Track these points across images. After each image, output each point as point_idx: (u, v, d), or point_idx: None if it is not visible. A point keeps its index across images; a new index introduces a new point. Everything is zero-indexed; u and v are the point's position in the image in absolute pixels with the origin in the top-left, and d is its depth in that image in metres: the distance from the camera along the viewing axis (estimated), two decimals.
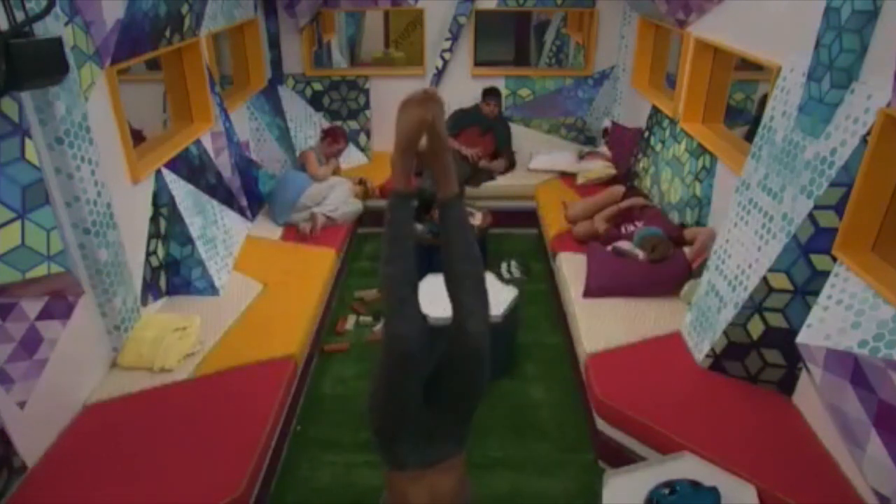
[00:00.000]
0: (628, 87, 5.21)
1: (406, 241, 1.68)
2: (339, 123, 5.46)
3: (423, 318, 1.69)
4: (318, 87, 5.55)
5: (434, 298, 3.54)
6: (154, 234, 3.20)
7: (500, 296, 3.36)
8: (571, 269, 3.66)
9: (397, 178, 1.66)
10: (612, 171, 4.93)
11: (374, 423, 1.73)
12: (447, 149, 1.66)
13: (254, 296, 3.42)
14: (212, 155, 3.85)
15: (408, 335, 1.61)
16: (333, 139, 4.74)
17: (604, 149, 5.18)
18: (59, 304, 2.42)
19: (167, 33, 3.21)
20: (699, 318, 2.89)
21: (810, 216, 2.31)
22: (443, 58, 5.36)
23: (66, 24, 2.42)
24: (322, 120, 5.55)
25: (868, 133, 2.10)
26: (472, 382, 1.70)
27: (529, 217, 4.98)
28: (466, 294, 1.66)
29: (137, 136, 4.06)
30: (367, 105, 5.61)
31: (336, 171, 4.80)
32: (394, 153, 1.66)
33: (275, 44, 5.29)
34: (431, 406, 1.69)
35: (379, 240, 5.48)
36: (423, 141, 1.64)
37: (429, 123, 1.58)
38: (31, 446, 2.25)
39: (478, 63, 5.54)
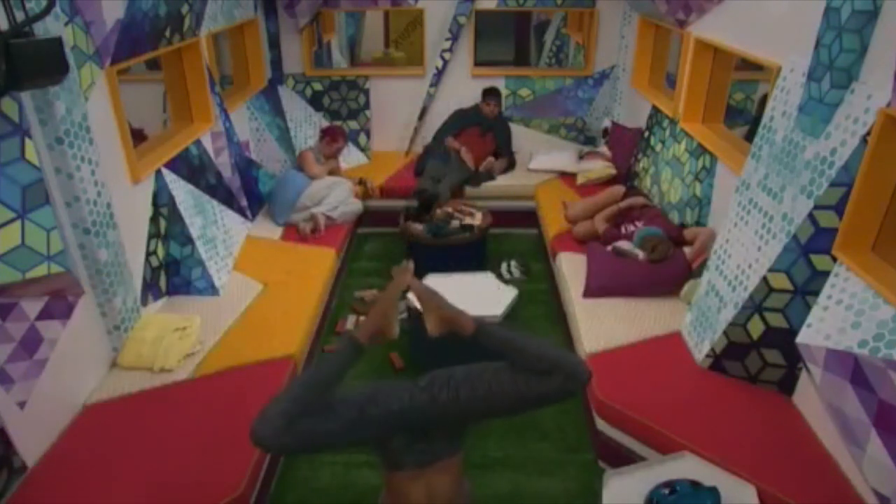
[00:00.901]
0: (628, 87, 5.21)
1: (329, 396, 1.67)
2: (338, 123, 5.46)
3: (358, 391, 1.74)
4: (318, 87, 5.55)
5: None
6: (154, 234, 3.20)
7: (500, 296, 3.36)
8: (571, 269, 3.66)
9: (364, 333, 1.75)
10: (612, 171, 4.93)
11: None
12: (439, 307, 1.78)
13: (254, 296, 3.42)
14: (212, 155, 3.85)
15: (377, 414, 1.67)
16: (332, 138, 4.74)
17: (604, 149, 5.18)
18: (59, 304, 2.42)
19: (167, 33, 3.21)
20: (699, 318, 2.89)
21: (810, 216, 2.31)
22: (443, 58, 5.36)
23: (66, 24, 2.42)
24: (322, 120, 5.56)
25: (868, 133, 2.10)
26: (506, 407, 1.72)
27: (529, 217, 4.98)
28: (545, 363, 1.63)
29: (139, 136, 4.06)
30: (367, 105, 5.61)
31: (336, 171, 4.81)
32: (368, 324, 1.79)
33: (275, 44, 5.29)
34: (432, 403, 1.70)
35: (379, 239, 5.49)
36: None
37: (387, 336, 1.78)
38: (31, 446, 2.25)
39: (478, 63, 5.54)
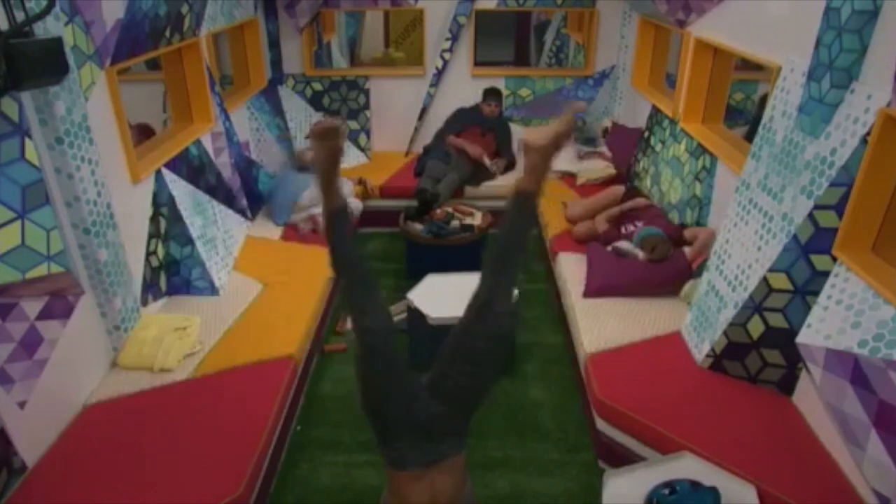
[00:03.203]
0: (628, 87, 5.21)
1: (345, 235, 1.80)
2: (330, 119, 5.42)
3: (388, 313, 1.83)
4: (318, 87, 5.55)
5: (434, 298, 3.54)
6: (154, 234, 3.20)
7: None
8: (571, 269, 3.66)
9: (325, 198, 1.81)
10: (612, 171, 4.93)
11: (370, 422, 1.74)
12: (550, 152, 1.79)
13: (254, 296, 3.41)
14: (212, 155, 3.85)
15: (370, 326, 1.72)
16: None
17: (604, 149, 5.18)
18: (59, 304, 2.42)
19: (167, 33, 3.21)
20: (699, 318, 2.89)
21: (810, 216, 2.31)
22: (443, 58, 5.36)
23: (66, 24, 2.42)
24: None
25: (868, 133, 2.10)
26: (485, 363, 1.74)
27: None
28: (500, 273, 1.73)
29: (147, 132, 4.06)
30: (367, 105, 5.61)
31: None
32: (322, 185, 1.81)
33: (275, 44, 5.29)
34: (434, 401, 1.70)
35: (379, 239, 5.49)
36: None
37: (332, 154, 1.77)
38: (31, 446, 2.25)
39: (478, 63, 5.54)
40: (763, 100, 4.15)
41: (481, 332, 1.70)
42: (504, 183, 5.16)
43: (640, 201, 4.08)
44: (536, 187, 1.74)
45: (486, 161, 5.08)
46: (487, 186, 5.10)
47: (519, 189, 1.75)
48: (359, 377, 1.74)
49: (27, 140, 2.13)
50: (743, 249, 2.69)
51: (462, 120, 5.29)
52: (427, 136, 5.49)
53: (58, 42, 2.09)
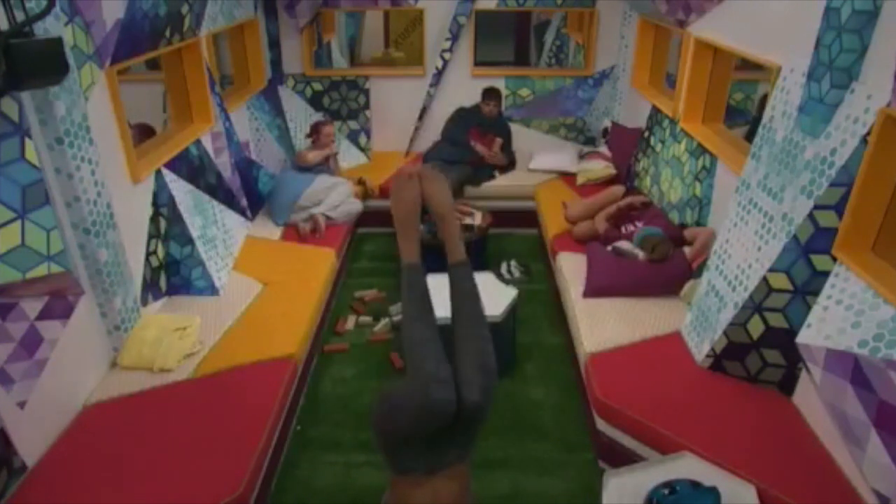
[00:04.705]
0: (628, 87, 5.21)
1: (427, 300, 1.73)
2: (328, 119, 5.36)
3: (451, 372, 1.65)
4: (318, 87, 5.55)
5: (434, 298, 3.52)
6: (154, 234, 3.20)
7: (500, 296, 3.36)
8: (571, 269, 3.66)
9: (403, 251, 1.75)
10: (612, 171, 4.93)
11: (377, 435, 1.71)
12: (452, 216, 1.75)
13: (254, 296, 3.42)
14: (212, 155, 3.85)
15: (448, 398, 1.56)
16: (316, 132, 4.81)
17: (604, 149, 5.18)
18: (59, 304, 2.42)
19: (167, 33, 3.21)
20: (699, 318, 2.89)
21: (810, 216, 2.31)
22: (443, 58, 5.36)
23: (66, 24, 2.42)
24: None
25: (868, 133, 2.10)
26: (471, 427, 1.68)
27: (529, 217, 4.98)
28: (467, 364, 1.64)
29: (148, 132, 4.06)
30: (367, 105, 5.61)
31: (335, 165, 4.83)
32: (396, 230, 1.77)
33: (275, 44, 5.29)
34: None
35: (379, 239, 5.49)
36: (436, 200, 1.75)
37: (417, 201, 1.73)
38: (31, 446, 2.25)
39: (478, 63, 5.54)
40: (763, 100, 4.15)
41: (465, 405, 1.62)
42: (504, 183, 5.18)
43: (638, 197, 4.08)
44: (461, 255, 1.75)
45: (493, 151, 5.14)
46: (487, 186, 5.11)
47: (450, 266, 1.76)
48: (402, 419, 1.61)
49: (27, 140, 2.13)
50: (743, 249, 2.69)
51: (462, 119, 5.29)
52: (427, 136, 5.50)
53: (58, 42, 2.09)
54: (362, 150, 5.67)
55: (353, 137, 5.64)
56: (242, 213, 4.18)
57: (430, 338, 1.65)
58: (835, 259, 2.26)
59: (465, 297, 1.74)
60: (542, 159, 5.35)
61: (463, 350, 1.68)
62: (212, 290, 3.38)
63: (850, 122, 2.19)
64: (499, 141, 5.24)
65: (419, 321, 1.66)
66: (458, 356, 1.66)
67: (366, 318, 3.95)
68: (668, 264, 3.36)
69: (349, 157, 5.50)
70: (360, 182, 4.89)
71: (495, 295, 3.38)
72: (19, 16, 1.97)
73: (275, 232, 4.27)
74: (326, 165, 4.79)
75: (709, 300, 2.84)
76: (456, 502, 1.71)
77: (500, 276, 4.20)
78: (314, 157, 4.68)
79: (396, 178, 1.74)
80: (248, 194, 4.26)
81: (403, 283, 1.75)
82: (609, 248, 3.65)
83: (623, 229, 3.86)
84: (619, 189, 4.30)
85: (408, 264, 1.73)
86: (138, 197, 3.07)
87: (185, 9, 3.35)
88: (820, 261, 2.33)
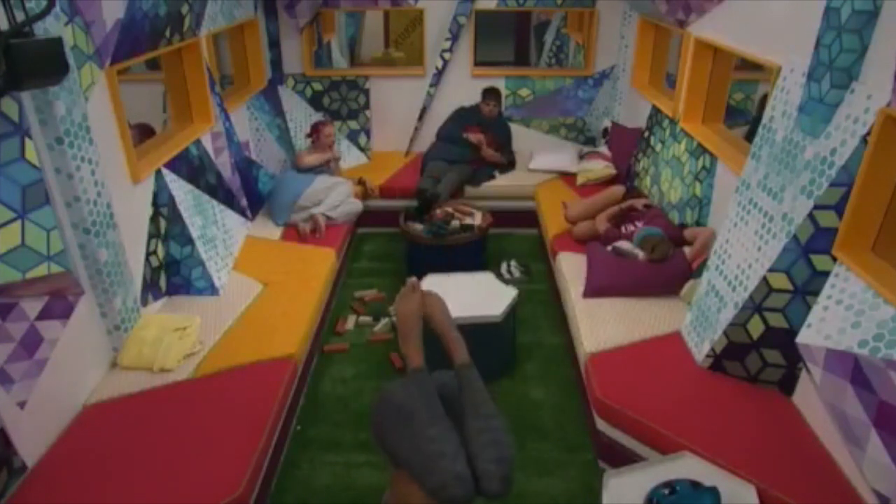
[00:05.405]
0: (628, 87, 5.21)
1: (436, 400, 1.72)
2: (328, 119, 5.37)
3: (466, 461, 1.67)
4: (318, 87, 5.55)
5: None
6: (154, 234, 3.20)
7: (500, 296, 3.36)
8: (571, 269, 3.67)
9: (406, 357, 1.75)
10: (612, 171, 4.93)
11: (376, 441, 1.73)
12: (451, 332, 1.78)
13: (254, 296, 3.41)
14: (212, 155, 3.85)
15: (466, 494, 1.61)
16: (316, 132, 4.80)
17: (604, 149, 5.18)
18: (59, 304, 2.42)
19: (167, 33, 3.21)
20: (699, 318, 2.89)
21: (810, 216, 2.31)
22: (443, 58, 5.36)
23: (66, 24, 2.42)
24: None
25: (868, 133, 2.10)
26: None
27: (529, 217, 4.98)
28: (484, 458, 1.69)
29: (148, 132, 4.06)
30: (367, 105, 5.61)
31: (335, 169, 4.82)
32: (399, 340, 1.78)
33: (275, 44, 5.29)
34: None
35: (379, 239, 5.48)
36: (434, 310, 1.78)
37: (419, 313, 1.76)
38: (31, 446, 2.25)
39: (478, 63, 5.54)
40: (763, 100, 4.15)
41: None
42: (504, 183, 5.17)
43: (639, 200, 4.08)
44: (465, 357, 1.75)
45: (484, 149, 5.12)
46: (487, 186, 5.10)
47: (456, 369, 1.76)
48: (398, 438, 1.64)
49: (27, 140, 2.13)
50: (743, 249, 2.69)
51: (462, 119, 5.29)
52: (427, 137, 5.49)
53: (58, 42, 2.09)
54: (362, 150, 5.67)
55: (353, 137, 5.64)
56: (242, 213, 4.18)
57: (444, 432, 1.65)
58: (835, 259, 2.26)
59: (475, 392, 1.77)
60: (542, 159, 5.34)
61: (477, 442, 1.70)
62: (212, 290, 3.38)
63: (850, 122, 2.19)
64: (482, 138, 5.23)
65: (432, 427, 1.65)
66: (472, 448, 1.69)
67: (366, 318, 3.95)
68: (668, 264, 3.36)
69: (349, 157, 5.50)
70: (360, 182, 4.90)
71: (495, 295, 3.38)
72: (19, 16, 1.97)
73: (275, 232, 4.27)
74: (327, 166, 4.80)
75: (709, 300, 2.84)
76: None
77: (499, 276, 4.20)
78: (312, 160, 4.67)
79: (403, 288, 1.79)
80: (248, 194, 4.26)
81: (411, 388, 1.74)
82: (609, 248, 3.65)
83: (623, 229, 3.86)
84: (619, 189, 4.30)
85: (413, 370, 1.75)
86: (138, 197, 3.07)
87: (185, 9, 3.35)
88: (820, 261, 2.33)
